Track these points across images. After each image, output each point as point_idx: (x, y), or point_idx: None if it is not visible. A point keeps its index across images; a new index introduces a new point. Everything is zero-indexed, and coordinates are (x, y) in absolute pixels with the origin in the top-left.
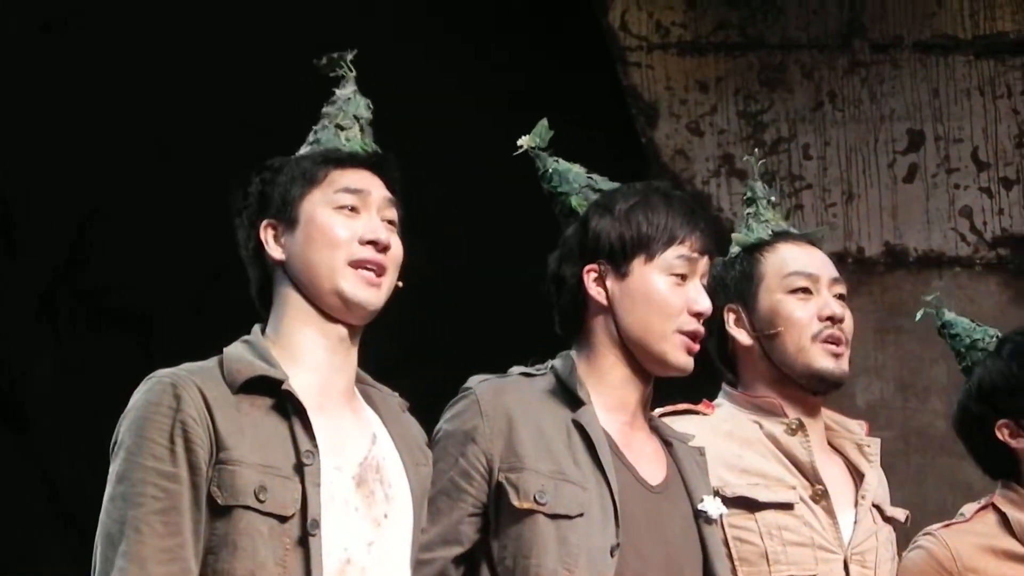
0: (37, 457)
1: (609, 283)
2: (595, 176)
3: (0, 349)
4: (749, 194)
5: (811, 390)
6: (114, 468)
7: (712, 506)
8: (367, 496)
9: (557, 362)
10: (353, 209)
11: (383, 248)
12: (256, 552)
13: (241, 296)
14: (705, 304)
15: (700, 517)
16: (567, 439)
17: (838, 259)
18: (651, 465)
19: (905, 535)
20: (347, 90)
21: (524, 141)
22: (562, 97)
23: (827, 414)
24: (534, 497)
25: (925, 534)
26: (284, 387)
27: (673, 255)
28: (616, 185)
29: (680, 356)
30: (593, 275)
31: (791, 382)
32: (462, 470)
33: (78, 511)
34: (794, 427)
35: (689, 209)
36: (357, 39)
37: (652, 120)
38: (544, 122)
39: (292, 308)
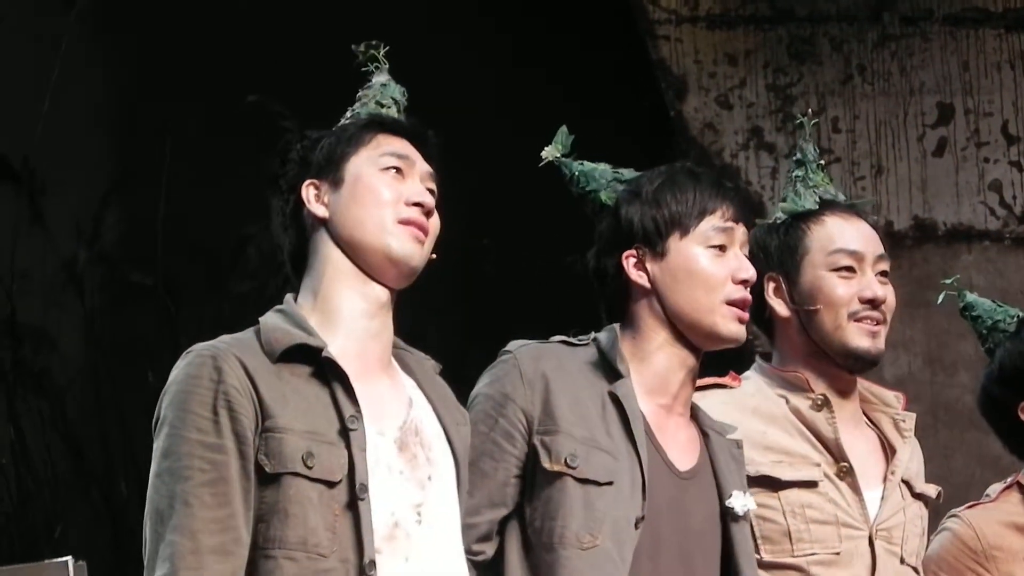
0: (63, 422)
1: (649, 266)
2: (621, 170)
3: (27, 317)
4: (799, 155)
5: (846, 368)
6: (159, 444)
7: (739, 502)
8: (410, 460)
9: (601, 335)
10: (399, 171)
11: (428, 212)
12: (307, 518)
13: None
14: (749, 271)
15: (727, 513)
16: (602, 410)
17: None
18: (682, 451)
19: (936, 511)
20: (382, 77)
21: (547, 152)
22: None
23: (864, 385)
24: (565, 460)
25: (951, 516)
26: (324, 354)
27: (708, 227)
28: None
29: (732, 326)
30: (632, 260)
31: (826, 357)
32: (504, 431)
33: (103, 473)
34: (820, 403)
35: (716, 181)
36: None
37: (681, 93)
38: (563, 129)
39: (332, 268)
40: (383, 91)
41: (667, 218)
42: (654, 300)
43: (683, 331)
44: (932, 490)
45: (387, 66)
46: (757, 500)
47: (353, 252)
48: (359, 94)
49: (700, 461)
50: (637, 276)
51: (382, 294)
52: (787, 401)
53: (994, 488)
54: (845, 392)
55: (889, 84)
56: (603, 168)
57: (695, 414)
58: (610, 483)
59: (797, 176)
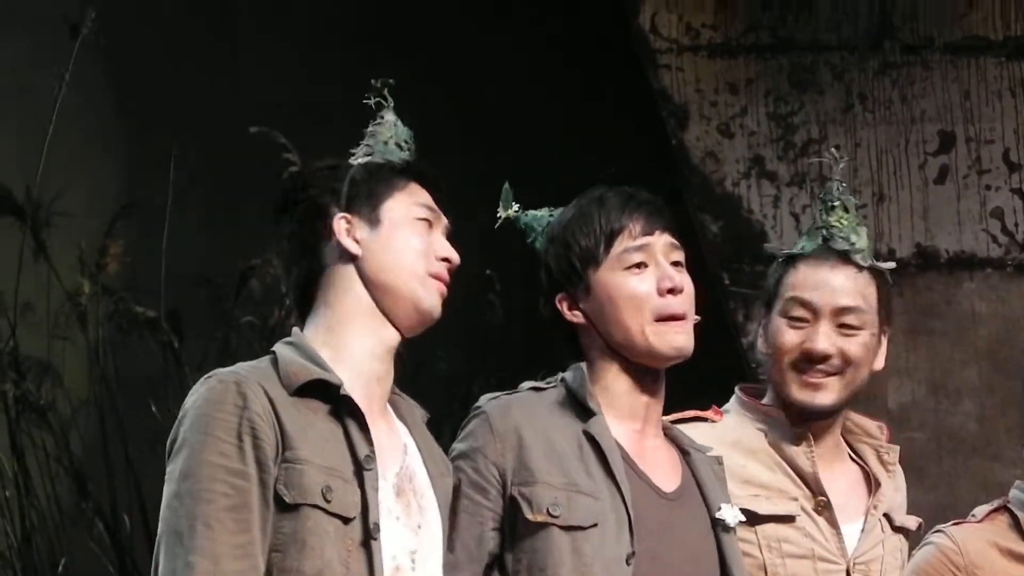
0: (67, 456)
1: (581, 304)
2: (556, 210)
3: (31, 350)
4: (822, 194)
5: (795, 416)
6: (177, 466)
7: (730, 514)
8: (405, 506)
9: (568, 374)
10: (429, 224)
11: (452, 269)
12: (323, 551)
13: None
14: (672, 280)
15: (718, 525)
16: (579, 451)
17: None
18: (665, 473)
19: (918, 543)
20: (391, 115)
21: (502, 213)
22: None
23: (847, 414)
24: (547, 510)
25: (935, 531)
26: (342, 392)
27: (619, 250)
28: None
29: (668, 341)
30: (565, 303)
31: None
32: (478, 486)
33: (107, 507)
34: (799, 437)
35: (621, 201)
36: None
37: (682, 122)
38: (506, 187)
39: (354, 305)
40: (396, 131)
41: (578, 255)
42: (595, 334)
43: (628, 357)
44: (912, 523)
45: (392, 104)
46: None
47: (380, 294)
48: (372, 128)
49: (684, 480)
50: (572, 316)
51: (394, 339)
52: (766, 435)
53: (981, 509)
54: (824, 427)
55: (890, 112)
56: (542, 214)
57: (671, 435)
58: (595, 525)
59: (817, 214)
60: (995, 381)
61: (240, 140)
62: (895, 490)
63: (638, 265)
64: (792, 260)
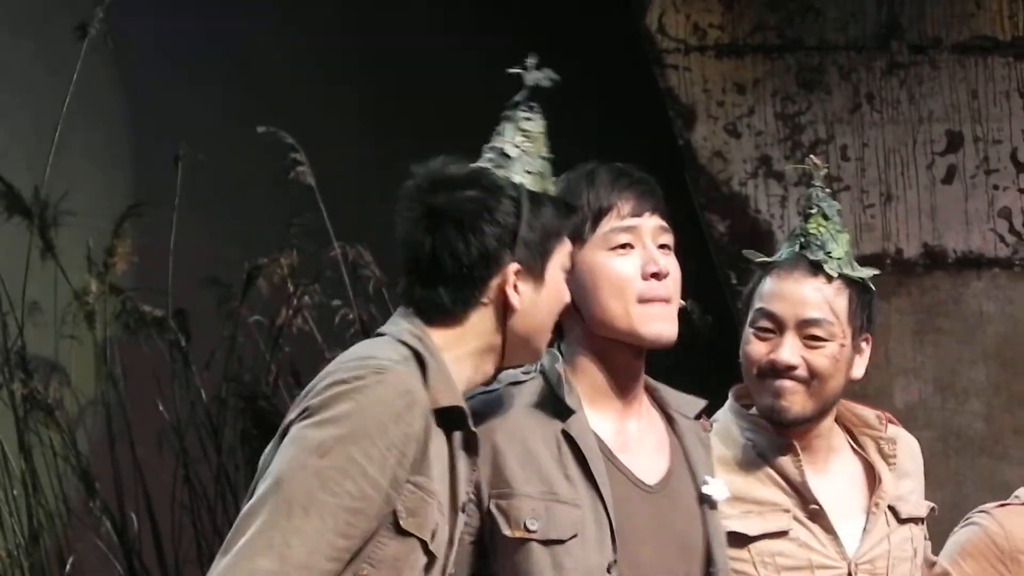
0: (75, 454)
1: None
2: None
3: (38, 349)
4: (804, 201)
5: (777, 425)
6: (317, 434)
7: (716, 489)
8: None
9: (545, 361)
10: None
11: None
12: None
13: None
14: (658, 263)
15: (704, 501)
16: (557, 453)
17: (876, 260)
18: (651, 460)
19: (933, 525)
20: (540, 119)
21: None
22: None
23: (846, 406)
24: (524, 525)
25: (980, 511)
26: (471, 427)
27: (606, 228)
28: None
29: (650, 327)
30: None
31: None
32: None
33: (115, 506)
34: (784, 447)
35: (611, 178)
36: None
37: (689, 122)
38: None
39: (486, 346)
40: (543, 139)
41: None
42: (575, 314)
43: (608, 337)
44: (922, 509)
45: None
46: (728, 554)
47: (515, 343)
48: (520, 127)
49: (673, 459)
50: None
51: (487, 376)
52: (754, 445)
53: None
54: (808, 434)
55: (898, 112)
56: None
57: (658, 397)
58: (574, 536)
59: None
60: (1002, 380)
61: (248, 139)
62: (898, 479)
63: (624, 246)
64: (767, 269)
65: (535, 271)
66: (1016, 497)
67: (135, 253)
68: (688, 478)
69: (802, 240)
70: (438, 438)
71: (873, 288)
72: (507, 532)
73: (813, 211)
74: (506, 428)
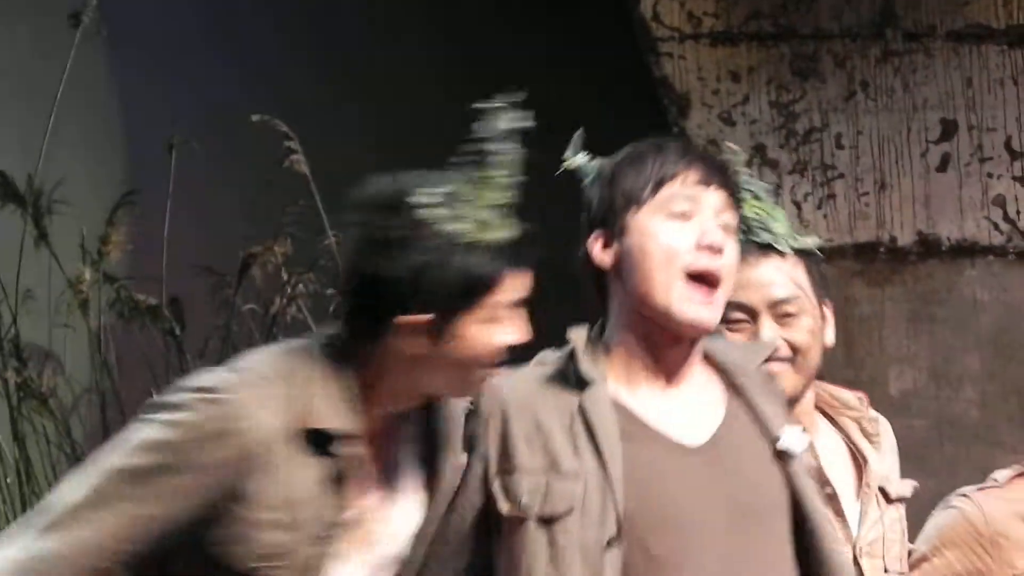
0: (69, 443)
1: (614, 246)
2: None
3: (32, 337)
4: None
5: None
6: (145, 434)
7: (793, 440)
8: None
9: (571, 332)
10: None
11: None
12: None
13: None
14: (714, 235)
15: (781, 456)
16: (569, 426)
17: (871, 249)
18: (697, 422)
19: (923, 512)
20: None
21: (572, 161)
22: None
23: (824, 388)
24: (520, 503)
25: (959, 495)
26: (348, 450)
27: (667, 194)
28: None
29: (689, 309)
30: (598, 244)
31: None
32: (467, 484)
33: None
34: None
35: (682, 148)
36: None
37: (684, 110)
38: (579, 133)
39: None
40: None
41: (622, 192)
42: (619, 285)
43: (648, 316)
44: (907, 488)
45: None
46: None
47: None
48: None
49: (730, 418)
50: (600, 258)
51: None
52: None
53: (1002, 474)
54: (796, 410)
55: (892, 100)
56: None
57: (714, 359)
58: (571, 510)
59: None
60: (996, 368)
61: (242, 127)
62: (881, 459)
63: (683, 215)
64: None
65: (434, 325)
66: (994, 480)
67: (129, 241)
68: (755, 436)
69: (743, 227)
70: (296, 461)
71: (821, 254)
72: (503, 510)
73: (745, 196)
74: (519, 404)
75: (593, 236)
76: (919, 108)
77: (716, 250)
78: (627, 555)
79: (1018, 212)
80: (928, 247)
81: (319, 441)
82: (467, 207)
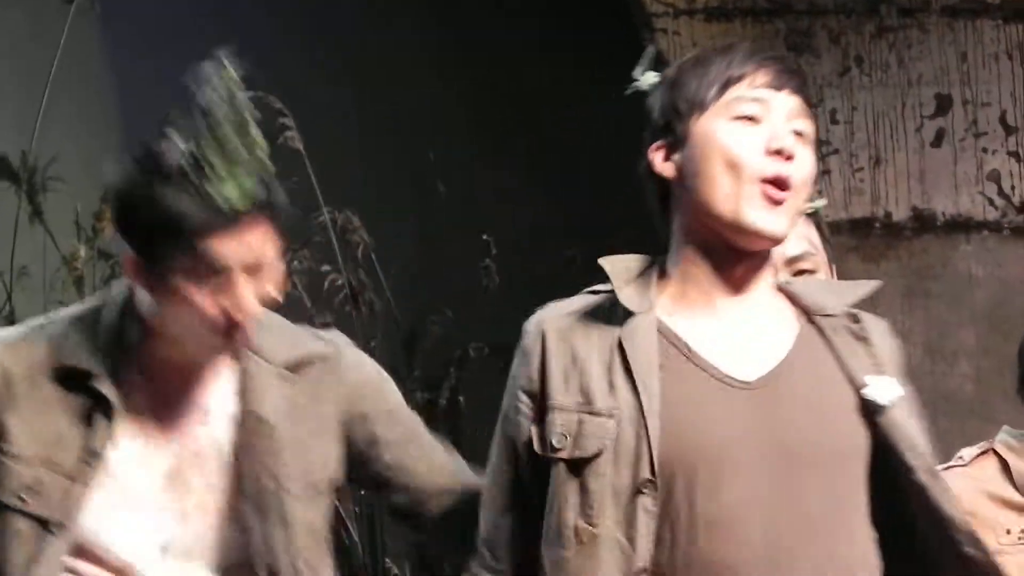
0: None
1: (676, 156)
2: None
3: (27, 314)
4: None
5: None
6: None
7: (880, 390)
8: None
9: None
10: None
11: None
12: None
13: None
14: (783, 142)
15: (868, 407)
16: (609, 359)
17: (865, 224)
18: (753, 354)
19: None
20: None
21: (644, 80)
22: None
23: None
24: (551, 444)
25: None
26: (95, 387)
27: (732, 96)
28: None
29: (758, 215)
30: (660, 154)
31: None
32: (505, 418)
33: None
34: None
35: (751, 50)
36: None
37: None
38: (650, 49)
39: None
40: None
41: (685, 97)
42: (682, 194)
43: (712, 227)
44: None
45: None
46: None
47: None
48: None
49: (796, 353)
50: (662, 168)
51: None
52: None
53: (968, 452)
54: None
55: (887, 75)
56: None
57: (794, 295)
58: (599, 453)
59: None
60: (991, 343)
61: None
62: None
63: (750, 118)
64: None
65: (152, 277)
66: (960, 458)
67: None
68: (829, 378)
69: None
70: (41, 398)
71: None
72: (538, 451)
73: None
74: (560, 336)
75: (654, 146)
76: (914, 83)
77: (786, 156)
78: (663, 501)
79: (1013, 187)
80: (923, 222)
81: (70, 378)
82: (197, 164)
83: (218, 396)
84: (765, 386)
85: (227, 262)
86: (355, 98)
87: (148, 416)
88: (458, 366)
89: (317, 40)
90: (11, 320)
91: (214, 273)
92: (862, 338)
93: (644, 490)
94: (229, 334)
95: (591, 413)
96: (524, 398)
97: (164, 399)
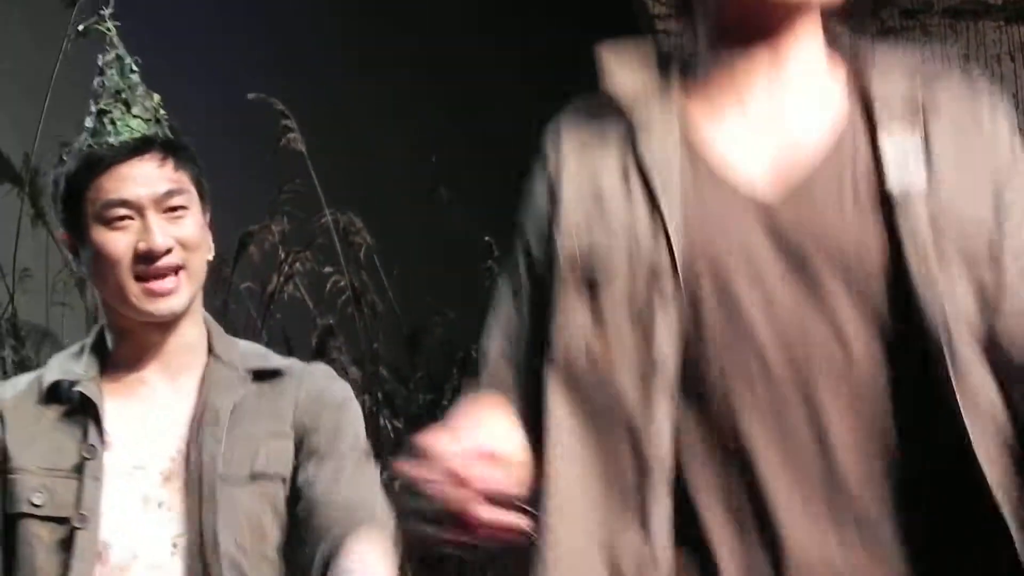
0: None
1: None
2: None
3: (30, 316)
4: None
5: None
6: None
7: (899, 176)
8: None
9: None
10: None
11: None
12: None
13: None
14: None
15: (886, 202)
16: (624, 180)
17: None
18: (787, 158)
19: None
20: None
21: None
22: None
23: None
24: (558, 263)
25: None
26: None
27: None
28: None
29: None
30: None
31: None
32: (524, 244)
33: None
34: None
35: None
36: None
37: None
38: None
39: None
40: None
41: None
42: None
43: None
44: None
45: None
46: None
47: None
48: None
49: (838, 151)
50: None
51: None
52: None
53: None
54: None
55: None
56: None
57: (852, 52)
58: (616, 269)
59: None
60: None
61: (238, 106)
62: None
63: None
64: None
65: (75, 237)
66: None
67: None
68: (861, 179)
69: None
70: (29, 415)
71: None
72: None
73: None
74: (572, 153)
75: None
76: None
77: None
78: (683, 318)
79: None
80: None
81: (57, 392)
82: (91, 128)
83: (186, 392)
84: (786, 201)
85: (121, 195)
86: (357, 100)
87: (135, 415)
88: (461, 367)
89: (320, 43)
90: (13, 322)
91: (115, 212)
92: (928, 106)
93: (662, 306)
94: (146, 277)
95: (605, 231)
96: (533, 223)
97: (145, 396)
